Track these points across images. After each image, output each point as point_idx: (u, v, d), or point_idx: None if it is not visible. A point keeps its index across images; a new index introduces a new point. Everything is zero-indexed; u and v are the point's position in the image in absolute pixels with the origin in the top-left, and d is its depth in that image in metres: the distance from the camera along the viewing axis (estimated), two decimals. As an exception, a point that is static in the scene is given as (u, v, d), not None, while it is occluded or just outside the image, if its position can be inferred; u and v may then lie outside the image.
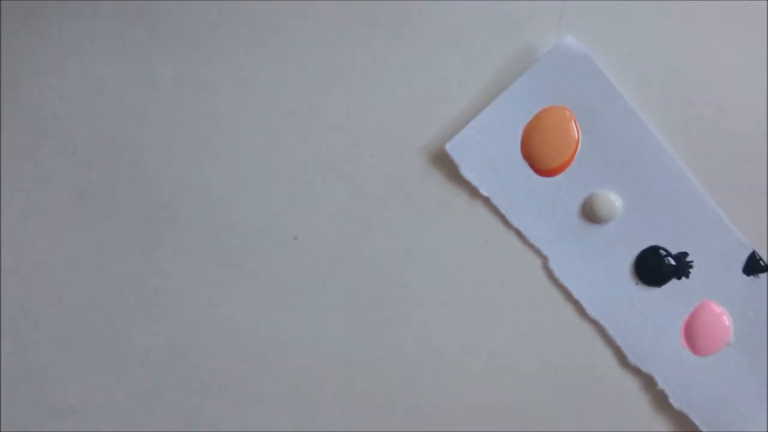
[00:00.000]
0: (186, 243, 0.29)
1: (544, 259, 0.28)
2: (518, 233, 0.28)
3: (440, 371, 0.29)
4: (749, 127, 0.28)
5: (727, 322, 0.28)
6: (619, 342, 0.28)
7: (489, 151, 0.28)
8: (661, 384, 0.28)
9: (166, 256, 0.29)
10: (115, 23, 0.29)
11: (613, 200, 0.28)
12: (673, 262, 0.28)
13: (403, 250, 0.29)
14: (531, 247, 0.28)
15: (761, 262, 0.28)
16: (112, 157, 0.29)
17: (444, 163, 0.28)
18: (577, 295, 0.28)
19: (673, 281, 0.28)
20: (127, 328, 0.29)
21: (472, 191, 0.28)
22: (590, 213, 0.28)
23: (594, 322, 0.29)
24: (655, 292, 0.28)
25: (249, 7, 0.29)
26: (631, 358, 0.28)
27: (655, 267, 0.28)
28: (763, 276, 0.28)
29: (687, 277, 0.28)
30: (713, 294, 0.28)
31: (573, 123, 0.28)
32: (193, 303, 0.29)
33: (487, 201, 0.28)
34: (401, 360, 0.29)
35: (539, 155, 0.28)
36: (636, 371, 0.29)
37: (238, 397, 0.29)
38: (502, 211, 0.28)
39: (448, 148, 0.28)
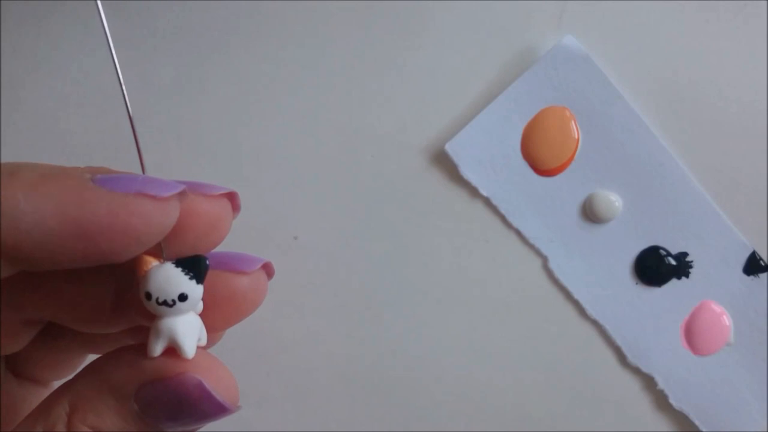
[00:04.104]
0: (186, 243, 0.29)
1: (544, 259, 0.28)
2: (518, 233, 0.28)
3: (440, 371, 0.29)
4: (749, 127, 0.28)
5: (727, 322, 0.28)
6: (619, 342, 0.28)
7: (489, 151, 0.28)
8: (661, 384, 0.28)
9: (166, 256, 0.29)
10: (115, 23, 0.29)
11: (613, 200, 0.28)
12: (673, 262, 0.28)
13: (403, 250, 0.29)
14: (531, 247, 0.28)
15: (761, 262, 0.28)
16: (111, 157, 0.29)
17: (444, 163, 0.28)
18: (577, 295, 0.28)
19: (673, 281, 0.28)
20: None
21: (472, 191, 0.28)
22: (590, 213, 0.28)
23: (594, 322, 0.29)
24: (655, 292, 0.28)
25: (249, 7, 0.29)
26: (631, 358, 0.28)
27: (655, 267, 0.28)
28: (763, 276, 0.28)
29: (687, 277, 0.28)
30: (713, 294, 0.28)
31: (573, 123, 0.28)
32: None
33: (487, 201, 0.28)
34: (401, 360, 0.29)
35: (539, 155, 0.28)
36: (636, 371, 0.29)
37: (238, 397, 0.29)
38: (502, 211, 0.28)
39: (448, 148, 0.28)
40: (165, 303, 0.16)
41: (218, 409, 0.17)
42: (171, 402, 0.16)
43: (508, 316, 0.29)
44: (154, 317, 0.16)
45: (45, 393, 0.23)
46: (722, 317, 0.28)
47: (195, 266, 0.16)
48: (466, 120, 0.28)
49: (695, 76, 0.28)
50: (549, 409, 0.29)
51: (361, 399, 0.29)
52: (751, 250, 0.28)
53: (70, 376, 0.18)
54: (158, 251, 0.17)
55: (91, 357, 0.24)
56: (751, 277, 0.28)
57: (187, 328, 0.16)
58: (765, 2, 0.28)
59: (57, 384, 0.24)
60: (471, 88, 0.28)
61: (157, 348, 0.16)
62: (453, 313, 0.29)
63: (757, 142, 0.28)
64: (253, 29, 0.29)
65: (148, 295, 0.16)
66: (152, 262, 0.16)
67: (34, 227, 0.15)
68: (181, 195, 0.16)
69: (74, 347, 0.21)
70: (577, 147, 0.28)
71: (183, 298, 0.16)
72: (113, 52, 0.17)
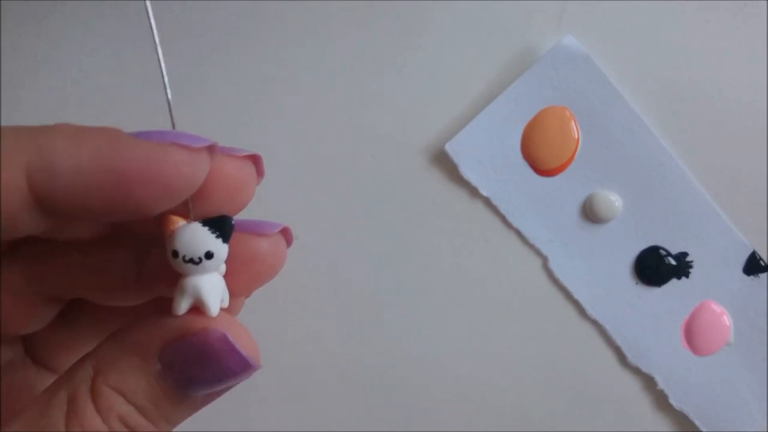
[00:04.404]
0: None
1: (544, 259, 0.28)
2: (518, 233, 0.28)
3: (440, 371, 0.29)
4: (749, 127, 0.28)
5: (727, 322, 0.28)
6: (619, 342, 0.28)
7: (489, 151, 0.28)
8: (661, 384, 0.28)
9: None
10: (115, 23, 0.29)
11: (613, 200, 0.28)
12: (673, 262, 0.28)
13: (403, 249, 0.29)
14: (531, 247, 0.28)
15: (761, 262, 0.28)
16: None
17: (444, 163, 0.28)
18: (577, 295, 0.28)
19: (673, 281, 0.28)
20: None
21: (472, 191, 0.28)
22: (590, 213, 0.28)
23: (594, 322, 0.29)
24: (655, 292, 0.28)
25: (249, 7, 0.29)
26: (631, 358, 0.28)
27: (655, 267, 0.28)
28: (763, 276, 0.28)
29: (687, 277, 0.28)
30: (713, 294, 0.28)
31: (573, 123, 0.28)
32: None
33: (487, 201, 0.28)
34: (401, 359, 0.29)
35: (539, 155, 0.28)
36: (636, 371, 0.29)
37: (238, 397, 0.29)
38: (502, 211, 0.28)
39: (448, 148, 0.28)
40: (191, 261, 0.16)
41: (242, 364, 0.17)
42: (194, 358, 0.17)
43: (508, 316, 0.29)
44: (178, 281, 0.17)
45: None
46: (722, 317, 0.28)
47: (221, 225, 0.17)
48: (466, 120, 0.28)
49: (695, 76, 0.28)
50: (549, 409, 0.29)
51: (361, 399, 0.29)
52: (751, 250, 0.28)
53: None
54: (185, 211, 0.17)
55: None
56: (751, 277, 0.28)
57: (212, 287, 0.17)
58: (765, 2, 0.28)
59: None
60: (471, 88, 0.28)
61: (183, 306, 0.17)
62: (453, 313, 0.29)
63: (757, 142, 0.28)
64: (253, 29, 0.29)
65: (175, 253, 0.16)
66: (179, 222, 0.17)
67: (71, 171, 0.15)
68: (211, 149, 0.16)
69: (93, 331, 0.21)
70: (577, 147, 0.28)
71: (209, 255, 0.16)
72: (158, 47, 0.18)
